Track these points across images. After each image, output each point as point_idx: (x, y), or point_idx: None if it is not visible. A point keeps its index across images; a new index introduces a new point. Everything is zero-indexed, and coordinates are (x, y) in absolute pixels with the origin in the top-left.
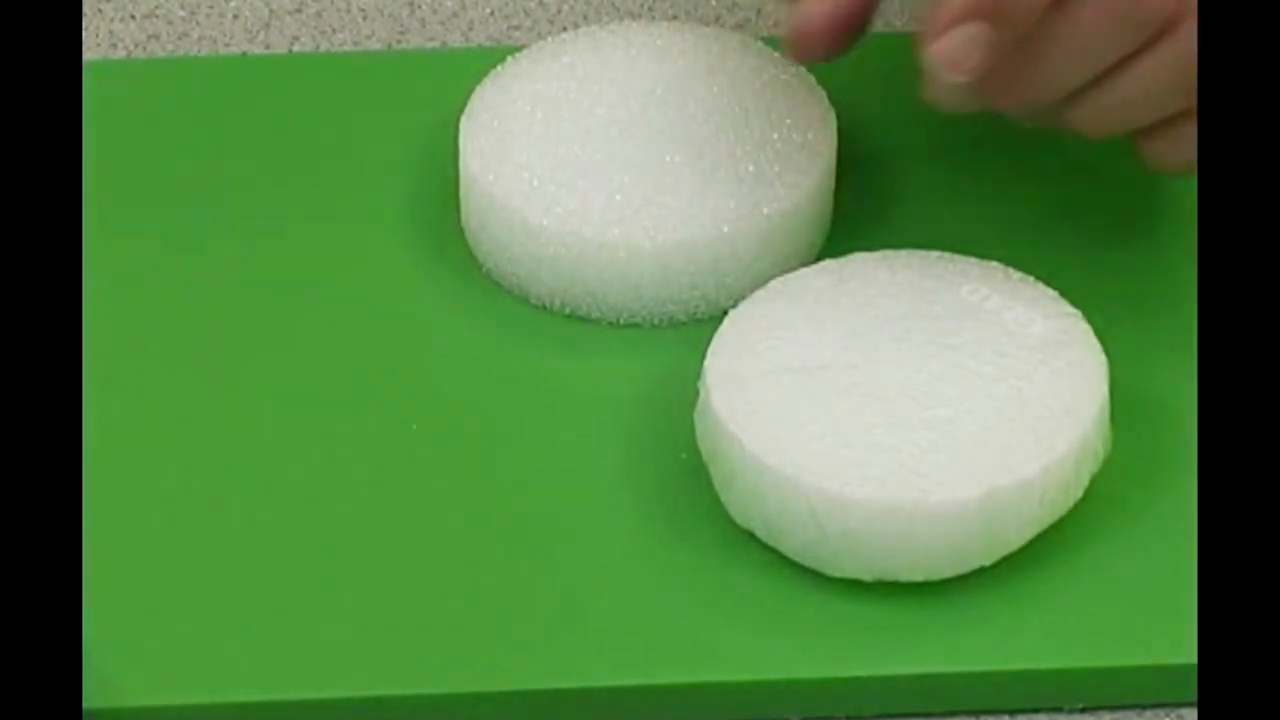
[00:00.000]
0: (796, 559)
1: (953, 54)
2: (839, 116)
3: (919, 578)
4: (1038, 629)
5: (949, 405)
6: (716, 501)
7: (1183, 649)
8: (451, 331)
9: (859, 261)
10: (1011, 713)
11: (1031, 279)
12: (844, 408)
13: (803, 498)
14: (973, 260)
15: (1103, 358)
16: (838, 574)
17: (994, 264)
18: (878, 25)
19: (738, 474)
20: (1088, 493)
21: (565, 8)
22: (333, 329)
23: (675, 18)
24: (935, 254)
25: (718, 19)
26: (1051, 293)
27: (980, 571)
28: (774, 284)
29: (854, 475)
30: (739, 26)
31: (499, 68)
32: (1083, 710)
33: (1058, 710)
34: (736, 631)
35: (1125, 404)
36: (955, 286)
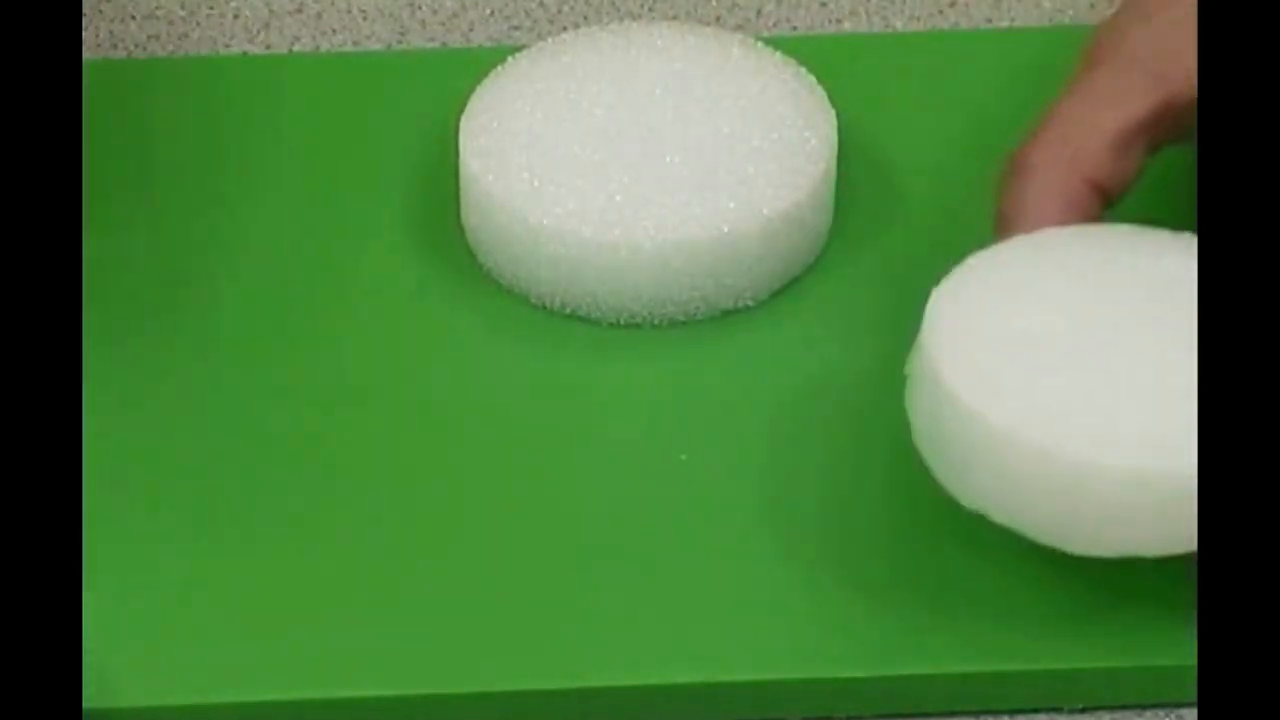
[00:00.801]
0: (1039, 538)
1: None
2: (839, 116)
3: (1164, 551)
4: (1038, 629)
5: (1183, 373)
6: (715, 501)
7: (1183, 649)
8: (451, 331)
9: (1058, 235)
10: (1011, 713)
11: (1171, 232)
12: (1083, 374)
13: (1061, 470)
14: (1163, 232)
15: None
16: (1084, 551)
17: (1187, 234)
18: (878, 25)
19: (980, 451)
20: None
21: (565, 8)
22: (333, 328)
23: (675, 18)
24: (1124, 227)
25: (718, 19)
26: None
27: (981, 572)
28: (972, 260)
29: (1114, 444)
30: (739, 27)
31: (499, 68)
32: (1083, 710)
33: (1058, 710)
34: (737, 631)
35: None
36: (1156, 258)
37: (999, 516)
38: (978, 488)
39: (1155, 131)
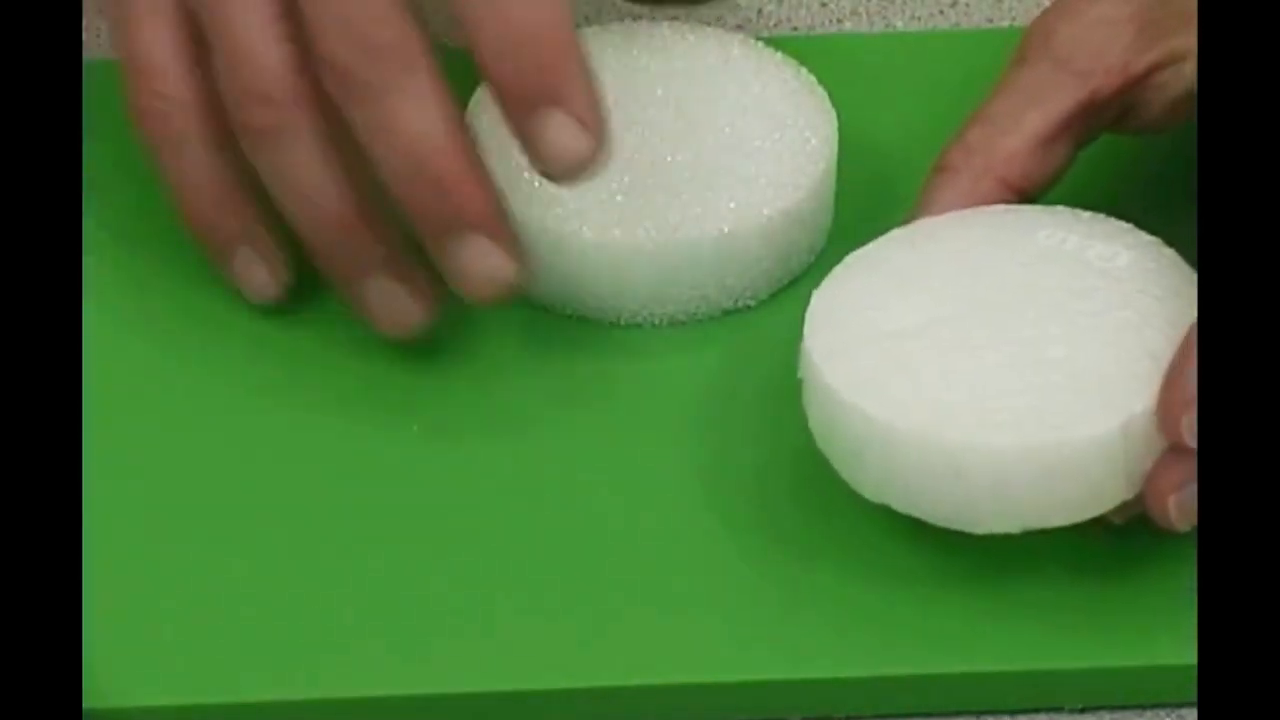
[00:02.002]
0: (940, 522)
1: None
2: (839, 116)
3: (1064, 520)
4: (1038, 629)
5: (1061, 344)
6: (715, 500)
7: (1183, 649)
8: (451, 331)
9: (929, 224)
10: (1012, 713)
11: (1100, 215)
12: (961, 360)
13: (944, 456)
14: (1037, 208)
15: (1193, 275)
16: (985, 530)
17: (1059, 207)
18: (878, 25)
19: (867, 446)
20: None
21: None
22: (333, 328)
23: (676, 18)
24: (1001, 207)
25: (718, 19)
26: (1125, 225)
27: (980, 571)
28: (852, 258)
29: (991, 423)
30: (739, 27)
31: None
32: (1083, 710)
33: (1058, 710)
34: (737, 631)
35: None
36: (1031, 232)
37: (900, 507)
38: (873, 481)
39: (1081, 128)
